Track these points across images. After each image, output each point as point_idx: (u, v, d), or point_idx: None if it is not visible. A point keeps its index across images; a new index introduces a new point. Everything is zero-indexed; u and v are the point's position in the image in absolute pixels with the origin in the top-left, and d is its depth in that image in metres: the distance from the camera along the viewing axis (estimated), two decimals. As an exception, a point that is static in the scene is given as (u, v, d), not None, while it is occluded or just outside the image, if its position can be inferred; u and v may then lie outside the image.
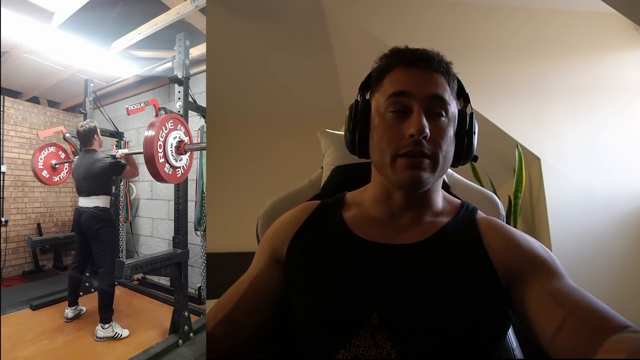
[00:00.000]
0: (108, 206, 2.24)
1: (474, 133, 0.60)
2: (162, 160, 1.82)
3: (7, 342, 1.98)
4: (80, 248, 2.26)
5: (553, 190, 1.92)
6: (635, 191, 1.94)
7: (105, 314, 2.07)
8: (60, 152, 2.98)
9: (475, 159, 0.62)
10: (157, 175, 1.81)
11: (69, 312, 2.30)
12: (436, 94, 0.55)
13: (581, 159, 1.97)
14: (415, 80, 0.55)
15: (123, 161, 2.22)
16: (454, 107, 0.58)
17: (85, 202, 2.18)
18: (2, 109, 3.29)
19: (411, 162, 0.54)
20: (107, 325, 2.06)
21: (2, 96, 3.27)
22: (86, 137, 2.22)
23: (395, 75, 0.57)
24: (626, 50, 2.09)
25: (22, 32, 2.38)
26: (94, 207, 2.15)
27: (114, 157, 2.21)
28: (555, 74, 2.05)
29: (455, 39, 2.02)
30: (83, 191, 2.20)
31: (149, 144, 1.76)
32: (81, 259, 2.28)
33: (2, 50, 2.55)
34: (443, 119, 0.56)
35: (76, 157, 2.48)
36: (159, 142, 1.79)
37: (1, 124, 3.28)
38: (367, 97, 0.62)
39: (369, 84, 0.62)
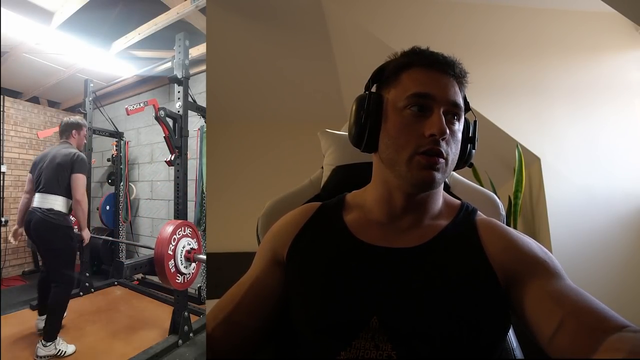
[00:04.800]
0: (65, 211, 1.95)
1: (476, 140, 0.62)
2: (170, 258, 1.86)
3: (7, 341, 1.98)
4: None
5: (553, 190, 1.91)
6: (635, 191, 1.94)
7: (51, 332, 1.84)
8: None
9: (471, 165, 0.64)
10: (162, 274, 1.85)
11: (40, 322, 2.03)
12: (455, 101, 0.56)
13: (581, 159, 1.96)
14: (437, 83, 0.56)
15: (85, 160, 2.02)
16: (463, 114, 0.59)
17: (40, 201, 1.91)
18: (2, 109, 3.29)
19: (429, 161, 0.54)
20: (49, 344, 1.82)
21: (2, 96, 3.27)
22: (65, 129, 2.08)
23: (416, 75, 0.57)
24: (626, 50, 2.09)
25: (22, 32, 2.38)
26: (48, 209, 1.88)
27: (81, 153, 2.03)
28: (556, 74, 2.05)
29: (456, 39, 2.02)
30: (40, 184, 1.93)
31: (161, 244, 1.83)
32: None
33: (2, 50, 2.55)
34: (457, 124, 0.57)
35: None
36: (173, 240, 1.87)
37: (1, 124, 3.28)
38: (376, 90, 0.61)
39: (380, 78, 0.61)
